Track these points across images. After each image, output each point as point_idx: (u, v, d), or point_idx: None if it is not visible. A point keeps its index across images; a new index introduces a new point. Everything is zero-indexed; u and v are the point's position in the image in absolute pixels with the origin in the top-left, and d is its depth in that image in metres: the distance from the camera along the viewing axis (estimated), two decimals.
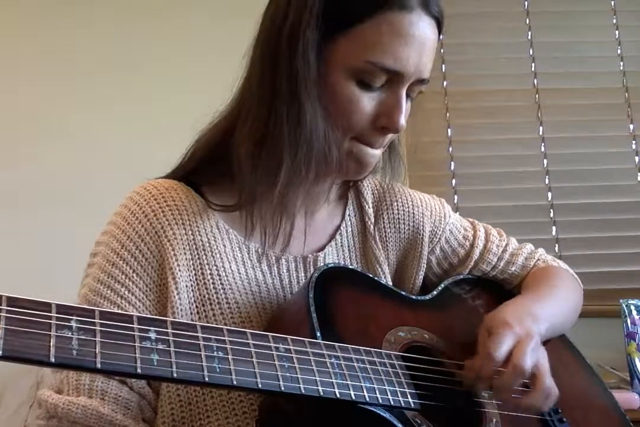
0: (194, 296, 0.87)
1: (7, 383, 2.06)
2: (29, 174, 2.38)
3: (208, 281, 0.88)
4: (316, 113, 0.84)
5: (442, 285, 1.04)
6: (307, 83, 0.83)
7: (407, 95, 0.88)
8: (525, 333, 0.86)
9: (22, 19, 2.51)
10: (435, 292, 1.02)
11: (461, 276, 1.09)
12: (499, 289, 1.12)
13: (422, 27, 0.84)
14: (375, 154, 0.91)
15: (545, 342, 0.96)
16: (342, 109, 0.85)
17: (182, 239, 0.87)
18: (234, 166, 0.88)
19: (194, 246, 0.88)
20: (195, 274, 0.87)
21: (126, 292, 0.84)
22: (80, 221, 2.12)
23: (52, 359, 0.53)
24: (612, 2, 2.67)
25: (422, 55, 0.85)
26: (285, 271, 0.94)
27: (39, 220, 2.32)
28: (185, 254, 0.87)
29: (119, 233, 0.87)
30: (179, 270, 0.86)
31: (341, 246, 1.00)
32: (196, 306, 0.87)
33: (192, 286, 0.87)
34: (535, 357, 0.85)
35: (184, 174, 0.94)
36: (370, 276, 0.95)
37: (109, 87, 2.44)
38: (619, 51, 2.64)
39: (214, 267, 0.88)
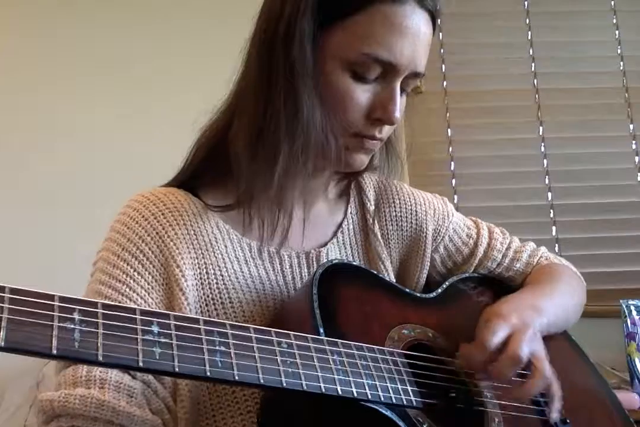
0: (198, 295, 0.86)
1: (7, 383, 2.06)
2: (29, 174, 2.37)
3: (212, 281, 0.87)
4: (313, 104, 0.84)
5: (447, 283, 1.04)
6: (303, 74, 0.83)
7: (403, 90, 0.88)
8: (521, 323, 0.86)
9: (22, 19, 2.51)
10: (439, 290, 1.02)
11: (466, 274, 1.08)
12: (504, 287, 1.11)
13: (416, 20, 0.84)
14: (375, 143, 0.91)
15: (549, 341, 0.96)
16: (336, 101, 0.85)
17: (184, 239, 0.87)
18: (232, 160, 0.88)
19: (197, 246, 0.88)
20: (200, 273, 0.87)
21: (127, 290, 0.83)
22: (80, 221, 2.13)
23: (54, 351, 0.53)
24: (612, 2, 2.67)
25: (416, 48, 0.85)
26: (287, 267, 0.94)
27: (39, 220, 2.32)
28: (189, 253, 0.87)
29: (118, 237, 0.87)
30: (186, 268, 0.86)
31: (343, 243, 1.00)
32: (200, 306, 0.86)
33: (197, 284, 0.86)
34: (531, 347, 0.84)
35: (184, 179, 0.94)
36: (374, 272, 0.94)
37: (108, 87, 2.44)
38: (619, 51, 2.64)
39: (217, 267, 0.88)
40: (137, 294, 0.83)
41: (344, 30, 0.83)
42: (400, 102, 0.87)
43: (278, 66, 0.84)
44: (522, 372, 0.85)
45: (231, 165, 0.88)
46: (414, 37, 0.84)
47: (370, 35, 0.82)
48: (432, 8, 0.86)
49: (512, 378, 0.84)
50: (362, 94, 0.85)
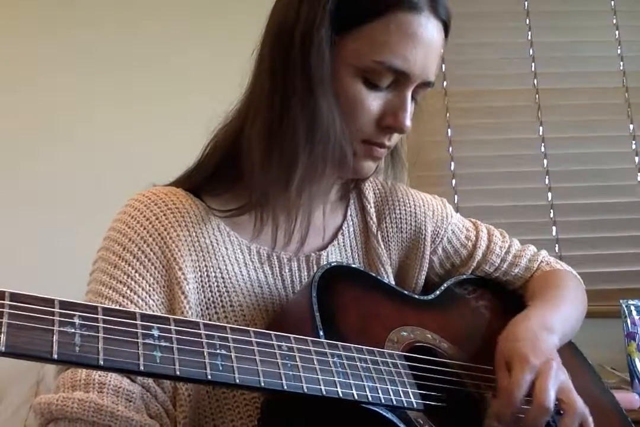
0: (199, 298, 0.86)
1: (7, 383, 2.06)
2: (29, 174, 2.37)
3: (213, 283, 0.87)
4: (332, 110, 0.84)
5: (445, 285, 1.04)
6: (322, 80, 0.83)
7: (412, 98, 0.89)
8: (544, 361, 0.83)
9: (22, 19, 2.51)
10: (438, 292, 1.02)
11: (464, 276, 1.08)
12: (502, 289, 1.11)
13: (430, 29, 0.85)
14: (383, 151, 0.91)
15: None
16: (348, 107, 0.85)
17: (186, 240, 0.87)
18: (245, 165, 0.87)
19: (199, 248, 0.87)
20: (201, 276, 0.87)
21: (128, 291, 0.82)
22: (80, 221, 2.13)
23: (55, 356, 0.53)
24: (612, 2, 2.66)
25: (429, 57, 0.85)
26: (287, 270, 0.93)
27: (39, 220, 2.32)
28: (191, 255, 0.86)
29: (119, 236, 0.86)
30: (188, 271, 0.85)
31: (343, 245, 1.00)
32: (201, 309, 0.86)
33: (197, 287, 0.86)
34: (558, 383, 0.82)
35: (193, 184, 0.93)
36: (373, 275, 0.94)
37: (109, 88, 2.44)
38: (619, 51, 2.64)
39: (218, 270, 0.88)
40: (138, 296, 0.82)
41: (358, 37, 0.84)
42: (410, 110, 0.88)
43: (295, 72, 0.84)
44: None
45: (242, 171, 0.88)
46: (427, 47, 0.85)
47: (385, 43, 0.83)
48: (446, 17, 0.87)
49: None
50: (374, 101, 0.86)
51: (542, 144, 2.58)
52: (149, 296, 0.83)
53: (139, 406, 0.76)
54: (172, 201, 0.89)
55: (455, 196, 2.54)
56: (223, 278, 0.88)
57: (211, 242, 0.89)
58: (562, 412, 0.82)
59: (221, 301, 0.87)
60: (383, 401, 0.73)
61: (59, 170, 2.37)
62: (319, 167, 0.85)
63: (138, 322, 0.60)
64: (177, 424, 0.81)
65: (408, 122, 0.87)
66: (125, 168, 2.28)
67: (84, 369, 0.76)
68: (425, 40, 0.84)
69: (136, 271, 0.84)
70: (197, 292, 0.86)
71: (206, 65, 2.41)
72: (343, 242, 1.00)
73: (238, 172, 0.89)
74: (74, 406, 0.72)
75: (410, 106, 0.87)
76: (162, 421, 0.78)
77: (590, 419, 0.83)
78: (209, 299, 0.86)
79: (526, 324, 0.92)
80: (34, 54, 2.46)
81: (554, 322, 0.94)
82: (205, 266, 0.87)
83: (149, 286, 0.84)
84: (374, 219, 1.03)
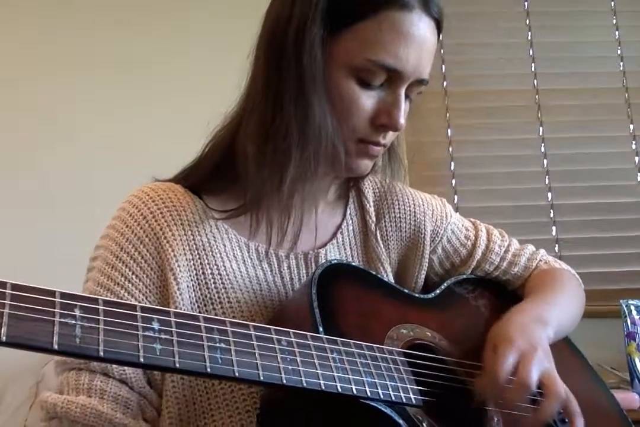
0: (195, 296, 0.86)
1: (7, 383, 2.06)
2: (29, 174, 2.37)
3: (209, 280, 0.87)
4: (324, 109, 0.84)
5: (445, 284, 1.04)
6: (314, 80, 0.84)
7: (407, 96, 0.89)
8: (528, 346, 0.85)
9: (22, 19, 2.51)
10: (438, 291, 1.02)
11: (464, 276, 1.09)
12: (502, 289, 1.12)
13: (422, 28, 0.85)
14: (379, 149, 0.91)
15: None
16: (342, 107, 0.86)
17: (181, 240, 0.87)
18: (240, 165, 0.88)
19: (194, 246, 0.88)
20: (196, 274, 0.87)
21: (125, 294, 0.84)
22: (80, 221, 2.13)
23: (55, 346, 0.53)
24: (612, 2, 2.67)
25: (422, 55, 0.86)
26: (286, 268, 0.94)
27: (39, 220, 2.32)
28: (185, 254, 0.87)
29: (118, 236, 0.87)
30: (180, 271, 0.86)
31: (342, 244, 1.00)
32: (198, 306, 0.86)
33: (193, 286, 0.87)
34: (541, 368, 0.83)
35: (190, 183, 0.94)
36: (373, 273, 0.94)
37: (109, 88, 2.44)
38: (619, 51, 2.64)
39: (215, 267, 0.88)
40: (135, 298, 0.84)
41: (351, 36, 0.84)
42: (404, 108, 0.88)
43: (288, 71, 0.85)
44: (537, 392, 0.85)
45: (238, 171, 0.88)
46: (420, 45, 0.85)
47: (377, 41, 0.83)
48: (438, 15, 0.88)
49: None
50: (367, 100, 0.86)
51: (542, 144, 2.58)
52: (146, 298, 0.85)
53: (136, 411, 0.81)
54: (170, 199, 0.89)
55: (455, 196, 2.54)
56: (220, 275, 0.88)
57: (208, 240, 0.89)
58: (541, 394, 0.83)
59: (219, 297, 0.87)
60: (382, 396, 0.73)
61: (59, 170, 2.37)
62: (312, 166, 0.86)
63: (138, 314, 0.60)
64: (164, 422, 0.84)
65: (402, 120, 0.87)
66: (125, 168, 2.27)
67: (87, 374, 0.81)
68: (417, 39, 0.85)
69: (133, 273, 0.85)
70: (193, 291, 0.87)
71: (206, 65, 2.41)
72: (342, 241, 1.01)
73: (236, 173, 0.90)
74: (77, 410, 0.78)
75: (404, 104, 0.88)
76: (156, 424, 0.83)
77: (574, 403, 0.85)
78: (206, 296, 0.87)
79: (520, 315, 0.94)
80: (34, 54, 2.47)
81: (549, 315, 0.95)
82: (201, 263, 0.88)
83: (145, 287, 0.85)
84: (373, 218, 1.03)
